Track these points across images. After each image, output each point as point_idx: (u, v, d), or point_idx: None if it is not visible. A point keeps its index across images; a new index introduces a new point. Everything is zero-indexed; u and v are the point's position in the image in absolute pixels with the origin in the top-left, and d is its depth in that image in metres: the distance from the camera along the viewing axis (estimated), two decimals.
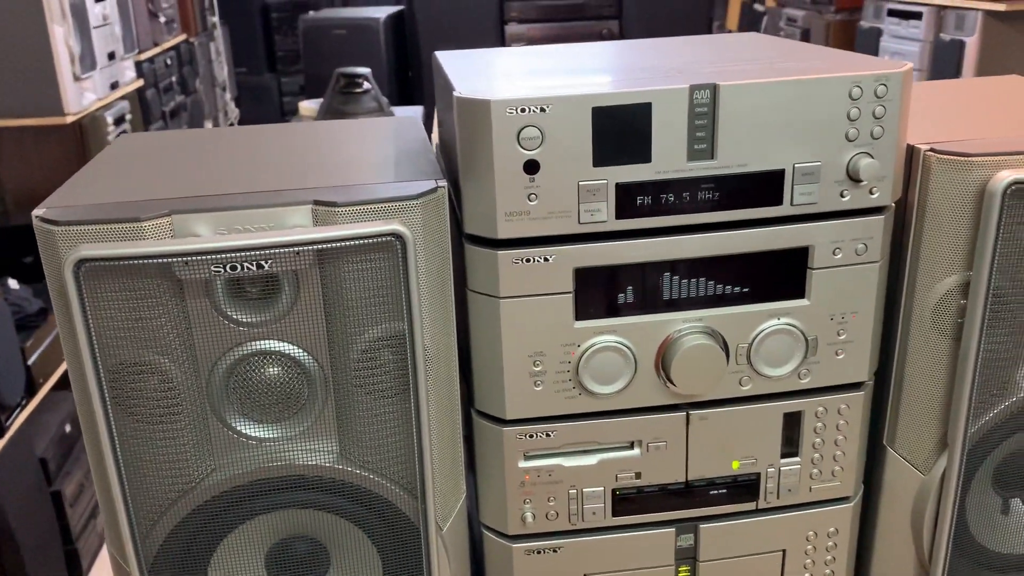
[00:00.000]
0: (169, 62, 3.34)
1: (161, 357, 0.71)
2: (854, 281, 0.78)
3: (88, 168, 0.84)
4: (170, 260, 0.65)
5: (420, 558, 0.79)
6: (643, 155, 0.72)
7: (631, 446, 0.81)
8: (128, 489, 0.73)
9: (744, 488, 0.83)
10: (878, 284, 0.79)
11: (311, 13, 4.43)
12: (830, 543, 0.87)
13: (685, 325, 0.77)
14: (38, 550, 2.03)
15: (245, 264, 0.66)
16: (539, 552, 0.83)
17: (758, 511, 0.85)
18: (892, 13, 3.16)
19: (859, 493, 0.88)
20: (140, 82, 2.89)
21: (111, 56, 2.61)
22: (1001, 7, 2.71)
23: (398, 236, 0.68)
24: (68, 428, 2.14)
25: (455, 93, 0.71)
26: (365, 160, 0.84)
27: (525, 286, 0.74)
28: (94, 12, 2.48)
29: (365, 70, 2.18)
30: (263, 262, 0.66)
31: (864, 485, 0.89)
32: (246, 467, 0.75)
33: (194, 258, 0.65)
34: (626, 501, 0.82)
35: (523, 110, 0.69)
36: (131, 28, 2.87)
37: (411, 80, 4.39)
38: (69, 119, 2.29)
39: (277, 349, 0.72)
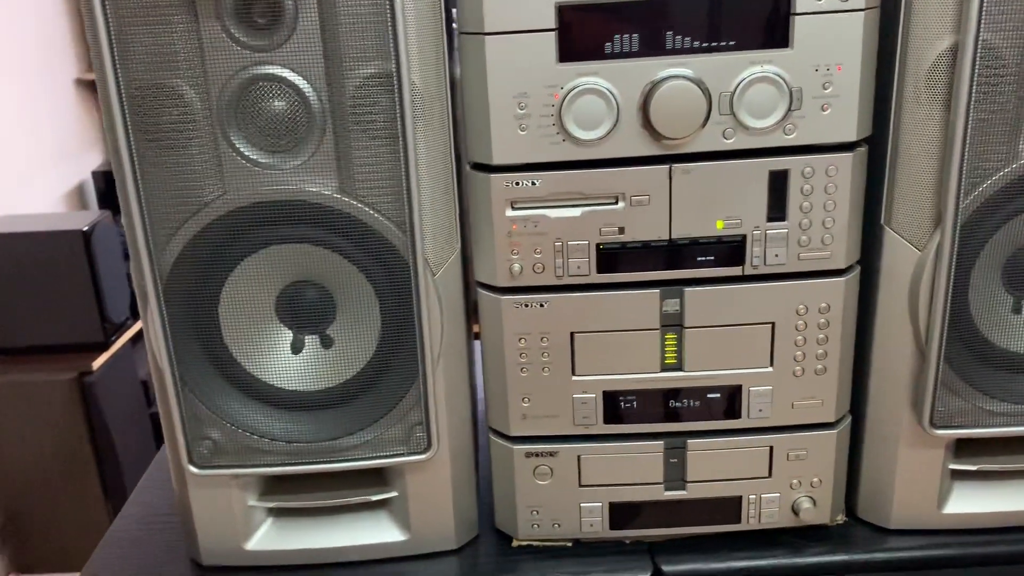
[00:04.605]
0: None
1: (177, 79, 0.79)
2: (838, 30, 0.78)
3: None
4: None
5: (412, 298, 0.84)
6: None
7: (615, 201, 0.84)
8: (145, 206, 0.81)
9: (730, 250, 0.84)
10: (864, 35, 0.79)
11: None
12: (822, 319, 0.87)
13: (668, 70, 0.79)
14: (136, 469, 2.18)
15: None
16: (527, 305, 0.87)
17: (745, 278, 0.86)
18: None
19: (855, 271, 0.87)
20: None
21: None
22: None
23: None
24: None
25: None
26: None
27: (509, 22, 0.78)
28: None
29: None
30: None
31: (864, 268, 0.88)
32: (253, 190, 0.82)
33: None
34: (610, 257, 0.85)
35: None
36: None
37: None
38: None
39: (280, 74, 0.79)
